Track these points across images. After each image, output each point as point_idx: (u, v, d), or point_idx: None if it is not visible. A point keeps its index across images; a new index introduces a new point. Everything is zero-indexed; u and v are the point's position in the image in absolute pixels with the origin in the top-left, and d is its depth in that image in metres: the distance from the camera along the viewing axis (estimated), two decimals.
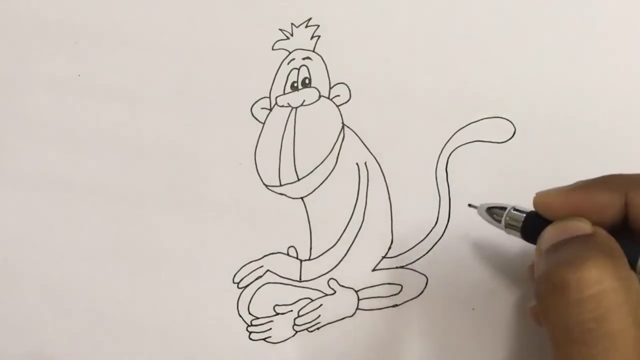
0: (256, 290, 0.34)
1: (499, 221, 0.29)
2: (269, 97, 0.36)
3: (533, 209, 0.28)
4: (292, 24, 0.37)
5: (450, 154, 0.35)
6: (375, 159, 0.35)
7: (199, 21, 0.37)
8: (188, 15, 0.37)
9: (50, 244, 0.35)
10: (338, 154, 0.35)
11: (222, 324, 0.34)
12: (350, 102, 0.36)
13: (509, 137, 0.35)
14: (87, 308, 0.34)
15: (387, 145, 0.35)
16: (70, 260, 0.35)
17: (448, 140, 0.35)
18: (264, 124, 0.36)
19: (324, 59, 0.36)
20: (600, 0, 0.36)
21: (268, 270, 0.34)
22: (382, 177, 0.35)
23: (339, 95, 0.36)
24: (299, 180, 0.35)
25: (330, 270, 0.34)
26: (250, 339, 0.34)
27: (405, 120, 0.35)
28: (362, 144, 0.35)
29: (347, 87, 0.36)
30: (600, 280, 0.21)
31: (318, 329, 0.34)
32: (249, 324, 0.34)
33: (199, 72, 0.37)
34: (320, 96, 0.36)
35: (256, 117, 0.36)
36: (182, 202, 0.35)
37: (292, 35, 0.37)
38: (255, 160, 0.35)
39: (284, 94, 0.36)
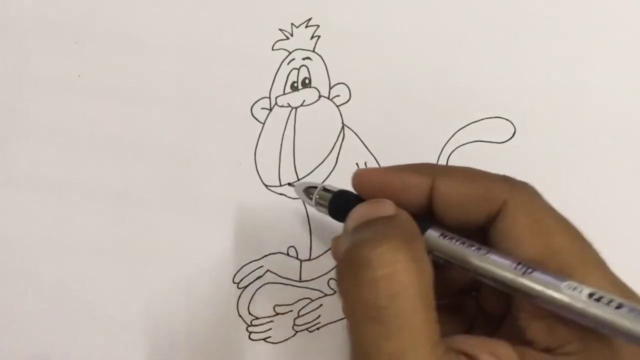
0: (256, 290, 0.34)
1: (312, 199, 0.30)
2: (269, 97, 0.36)
3: (342, 189, 0.29)
4: (292, 24, 0.37)
5: (450, 154, 0.35)
6: (375, 159, 0.35)
7: (199, 21, 0.37)
8: (188, 15, 0.37)
9: (50, 244, 0.35)
10: (338, 154, 0.35)
11: (222, 324, 0.34)
12: (350, 102, 0.36)
13: (509, 137, 0.35)
14: (87, 308, 0.34)
15: (387, 145, 0.35)
16: (70, 260, 0.35)
17: (448, 140, 0.35)
18: (264, 124, 0.36)
19: (324, 59, 0.36)
20: (601, 0, 0.36)
21: (268, 270, 0.34)
22: None
23: (339, 95, 0.36)
24: (299, 180, 0.35)
25: (330, 270, 0.34)
26: (250, 339, 0.34)
27: (405, 120, 0.35)
28: (362, 144, 0.35)
29: (347, 87, 0.36)
30: (394, 260, 0.21)
31: (318, 329, 0.34)
32: (249, 324, 0.34)
33: (198, 72, 0.37)
34: (320, 96, 0.36)
35: (256, 117, 0.36)
36: (182, 202, 0.35)
37: (292, 35, 0.37)
38: (255, 160, 0.35)
39: (284, 94, 0.36)
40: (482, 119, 0.35)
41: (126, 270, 0.35)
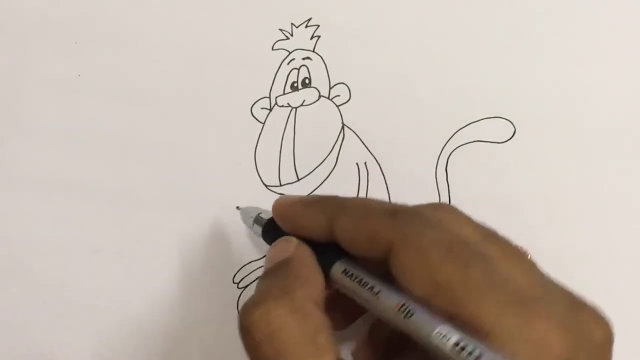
0: None
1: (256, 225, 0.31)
2: (269, 97, 0.36)
3: (271, 217, 0.30)
4: (292, 24, 0.37)
5: (450, 154, 0.35)
6: (375, 159, 0.35)
7: (199, 21, 0.37)
8: (188, 16, 0.37)
9: (49, 244, 0.35)
10: (338, 154, 0.35)
11: (222, 324, 0.34)
12: (350, 102, 0.36)
13: (509, 137, 0.35)
14: (87, 308, 0.34)
15: (387, 145, 0.35)
16: (69, 260, 0.35)
17: (448, 140, 0.35)
18: (264, 124, 0.36)
19: (324, 59, 0.36)
20: (601, 0, 0.36)
21: None
22: (382, 177, 0.35)
23: (339, 95, 0.36)
24: (299, 180, 0.35)
25: None
26: None
27: (405, 120, 0.35)
28: (362, 144, 0.35)
29: (347, 87, 0.36)
30: (267, 321, 0.22)
31: None
32: None
33: (198, 72, 0.37)
34: (320, 96, 0.36)
35: (256, 117, 0.36)
36: (182, 202, 0.35)
37: (292, 35, 0.37)
38: (255, 160, 0.35)
39: (284, 94, 0.36)
40: (482, 119, 0.35)
41: (126, 270, 0.35)
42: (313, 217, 0.27)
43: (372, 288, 0.24)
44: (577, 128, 0.35)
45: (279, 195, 0.35)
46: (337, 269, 0.25)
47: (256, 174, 0.35)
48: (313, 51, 0.36)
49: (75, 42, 0.37)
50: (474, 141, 0.35)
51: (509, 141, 0.35)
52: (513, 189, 0.34)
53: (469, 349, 0.20)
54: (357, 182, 0.35)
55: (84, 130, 0.36)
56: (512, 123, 0.35)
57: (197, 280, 0.34)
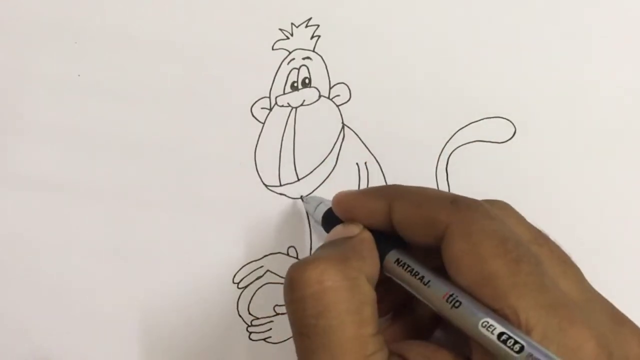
0: (256, 290, 0.34)
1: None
2: (269, 97, 0.36)
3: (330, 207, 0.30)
4: (292, 24, 0.37)
5: (450, 154, 0.35)
6: (375, 159, 0.35)
7: (199, 21, 0.37)
8: (188, 16, 0.37)
9: (49, 244, 0.35)
10: (338, 154, 0.35)
11: (222, 324, 0.34)
12: (350, 102, 0.36)
13: (509, 137, 0.35)
14: (87, 308, 0.34)
15: (387, 145, 0.35)
16: (69, 260, 0.35)
17: (448, 140, 0.35)
18: (264, 124, 0.36)
19: (324, 59, 0.36)
20: (602, 0, 0.36)
21: (268, 270, 0.34)
22: (382, 177, 0.35)
23: (339, 95, 0.36)
24: (299, 180, 0.35)
25: None
26: (250, 339, 0.34)
27: (405, 121, 0.35)
28: (362, 144, 0.35)
29: (347, 87, 0.36)
30: (320, 280, 0.23)
31: None
32: (249, 324, 0.34)
33: (198, 71, 0.37)
34: (320, 96, 0.36)
35: (256, 117, 0.36)
36: (182, 202, 0.35)
37: (292, 35, 0.37)
38: (255, 160, 0.35)
39: (284, 93, 0.36)
40: (482, 119, 0.35)
41: (126, 270, 0.35)
42: (373, 204, 0.27)
43: (422, 278, 0.25)
44: (577, 128, 0.35)
45: (280, 195, 0.35)
46: (391, 258, 0.26)
47: (256, 174, 0.35)
48: (313, 51, 0.37)
49: (75, 42, 0.37)
50: (474, 141, 0.35)
51: (509, 141, 0.35)
52: (513, 189, 0.34)
53: (511, 341, 0.21)
54: (357, 182, 0.35)
55: (84, 130, 0.36)
56: (512, 123, 0.35)
57: (197, 280, 0.34)
